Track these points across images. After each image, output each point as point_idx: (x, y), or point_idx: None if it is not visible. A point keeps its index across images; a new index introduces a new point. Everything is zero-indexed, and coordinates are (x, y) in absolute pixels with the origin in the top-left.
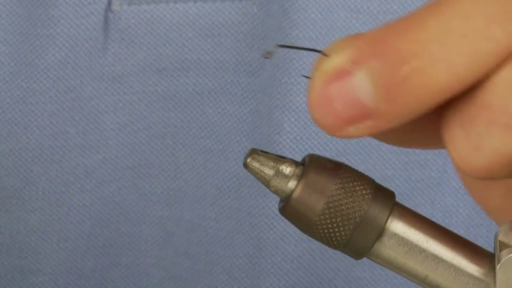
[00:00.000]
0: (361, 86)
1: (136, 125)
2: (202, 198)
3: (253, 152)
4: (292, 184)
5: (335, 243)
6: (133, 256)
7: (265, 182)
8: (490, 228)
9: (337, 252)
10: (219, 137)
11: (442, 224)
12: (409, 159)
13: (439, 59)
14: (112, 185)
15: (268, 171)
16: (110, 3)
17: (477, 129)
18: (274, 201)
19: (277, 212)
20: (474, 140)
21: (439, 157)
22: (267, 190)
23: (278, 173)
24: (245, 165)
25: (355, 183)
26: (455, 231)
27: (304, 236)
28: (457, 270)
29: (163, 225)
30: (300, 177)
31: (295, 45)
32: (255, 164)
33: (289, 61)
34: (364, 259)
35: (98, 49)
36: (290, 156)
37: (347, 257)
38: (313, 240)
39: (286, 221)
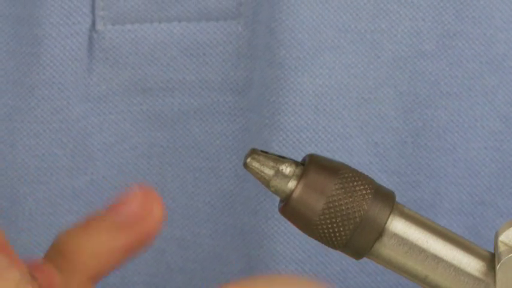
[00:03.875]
0: None
1: (123, 145)
2: (194, 216)
3: (253, 152)
4: (292, 184)
5: (335, 243)
6: (121, 275)
7: (265, 182)
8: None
9: (330, 273)
10: (208, 155)
11: None
12: (400, 180)
13: None
14: (99, 205)
15: (268, 171)
16: (94, 23)
17: None
18: (264, 219)
19: (266, 230)
20: None
21: (431, 179)
22: (258, 208)
23: (278, 173)
24: (245, 165)
25: (355, 183)
26: None
27: (295, 257)
28: (457, 270)
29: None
30: (300, 177)
31: None
32: (255, 164)
33: (276, 80)
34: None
35: (83, 69)
36: None
37: (339, 277)
38: (304, 261)
39: (275, 240)
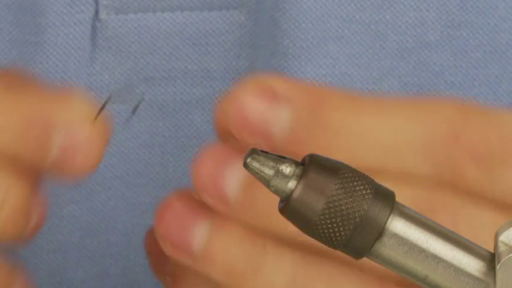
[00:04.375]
0: None
1: (124, 134)
2: None
3: (253, 152)
4: (292, 184)
5: (335, 243)
6: (123, 266)
7: (265, 182)
8: None
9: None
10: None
11: None
12: None
13: None
14: (101, 195)
15: (268, 171)
16: (97, 12)
17: None
18: None
19: None
20: None
21: None
22: None
23: (278, 173)
24: (245, 165)
25: (355, 183)
26: None
27: None
28: (457, 270)
29: None
30: (300, 177)
31: None
32: (255, 164)
33: (280, 70)
34: None
35: (86, 58)
36: None
37: None
38: None
39: None
